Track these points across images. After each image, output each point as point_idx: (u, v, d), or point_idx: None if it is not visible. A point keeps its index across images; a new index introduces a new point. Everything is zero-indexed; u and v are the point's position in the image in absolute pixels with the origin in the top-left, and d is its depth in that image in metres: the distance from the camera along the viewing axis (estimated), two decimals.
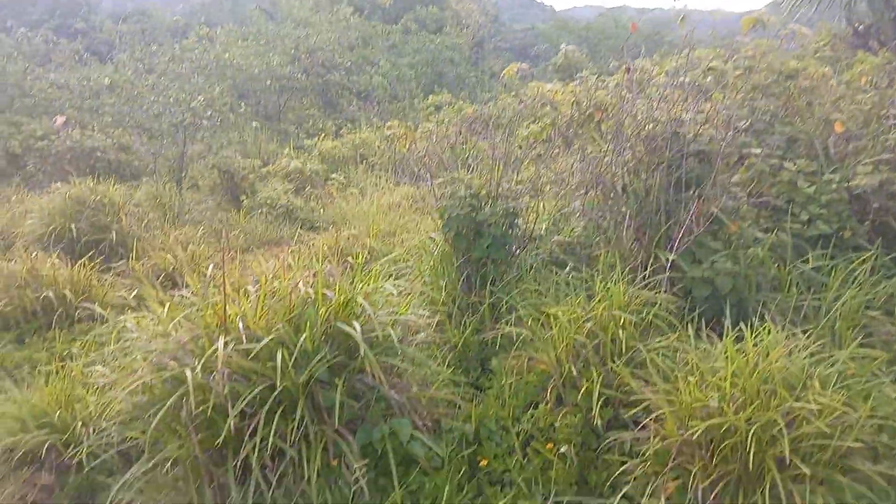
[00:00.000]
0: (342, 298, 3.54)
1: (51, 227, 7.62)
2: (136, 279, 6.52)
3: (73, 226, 7.55)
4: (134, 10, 35.53)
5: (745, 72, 6.17)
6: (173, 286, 6.46)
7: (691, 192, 4.36)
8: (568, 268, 4.97)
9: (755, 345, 3.15)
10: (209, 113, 12.03)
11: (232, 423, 3.02)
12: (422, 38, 28.02)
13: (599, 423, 3.39)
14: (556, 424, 3.51)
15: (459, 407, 3.90)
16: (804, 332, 3.52)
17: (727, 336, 3.20)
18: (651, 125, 4.30)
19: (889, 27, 8.81)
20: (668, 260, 4.09)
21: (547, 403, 3.65)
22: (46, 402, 4.22)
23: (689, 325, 3.70)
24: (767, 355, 3.06)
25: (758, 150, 4.85)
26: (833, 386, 2.98)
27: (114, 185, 8.80)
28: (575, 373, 3.60)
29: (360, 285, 3.76)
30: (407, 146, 5.85)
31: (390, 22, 30.25)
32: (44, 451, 4.07)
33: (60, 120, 15.04)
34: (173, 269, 6.88)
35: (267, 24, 26.18)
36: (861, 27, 9.19)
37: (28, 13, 39.34)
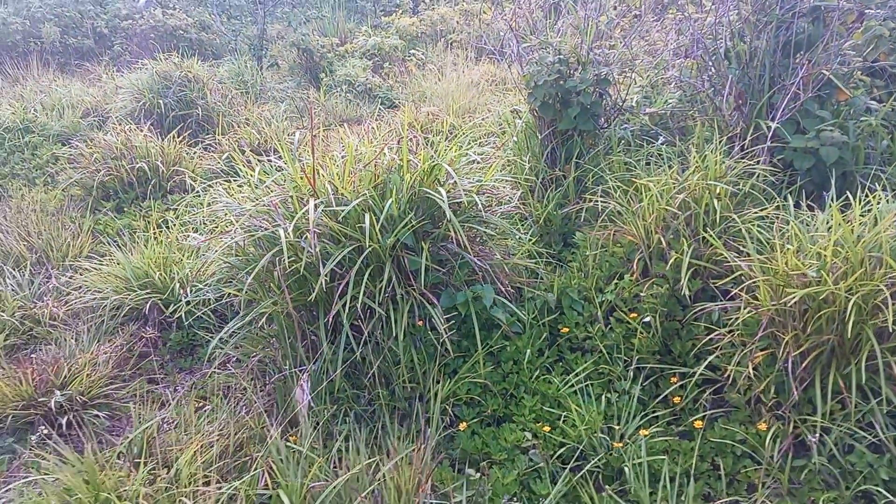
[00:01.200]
0: (427, 165, 3.51)
1: (140, 103, 7.82)
2: (223, 152, 6.70)
3: (161, 101, 7.73)
4: None
5: None
6: (260, 159, 6.60)
7: (801, 55, 4.02)
8: (661, 140, 4.77)
9: (862, 214, 2.96)
10: None
11: (323, 282, 3.12)
12: None
13: (687, 293, 3.32)
14: (642, 295, 3.47)
15: (541, 277, 3.91)
16: None
17: (831, 205, 3.02)
18: None
19: None
20: (769, 129, 3.84)
21: (632, 274, 3.60)
22: (147, 265, 4.47)
23: (789, 196, 3.51)
24: (875, 224, 2.89)
25: (880, 11, 4.39)
26: None
27: (197, 62, 8.88)
28: (664, 244, 3.51)
29: (445, 153, 3.72)
30: (491, 14, 5.58)
31: None
32: (147, 309, 4.36)
33: (142, 0, 15.13)
34: (259, 143, 6.99)
35: None
36: None
37: None
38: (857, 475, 2.70)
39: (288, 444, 2.95)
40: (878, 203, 3.02)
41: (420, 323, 3.39)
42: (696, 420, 3.00)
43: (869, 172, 3.83)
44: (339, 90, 9.64)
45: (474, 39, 12.44)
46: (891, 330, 2.62)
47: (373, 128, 7.31)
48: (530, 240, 4.10)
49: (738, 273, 3.14)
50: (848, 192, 3.26)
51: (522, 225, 4.39)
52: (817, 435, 2.75)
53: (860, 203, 3.05)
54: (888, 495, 2.60)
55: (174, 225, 5.15)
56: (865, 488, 2.67)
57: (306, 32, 11.89)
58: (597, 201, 4.13)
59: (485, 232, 3.65)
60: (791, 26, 3.96)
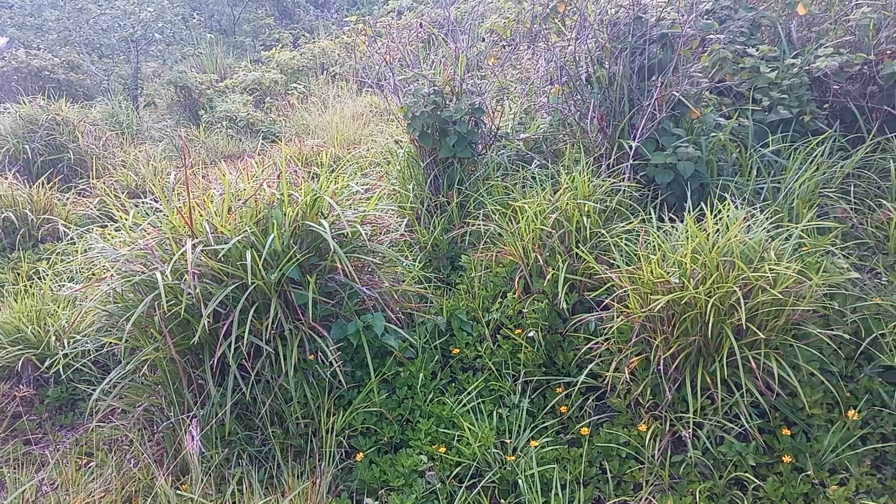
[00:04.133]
0: (309, 198, 3.53)
1: (4, 149, 7.37)
2: (97, 196, 6.41)
3: (27, 146, 7.32)
4: None
5: None
6: (136, 205, 6.37)
7: (654, 78, 4.35)
8: (534, 163, 4.99)
9: (715, 222, 3.23)
10: (160, 26, 11.50)
11: (205, 323, 3.06)
12: None
13: (565, 306, 3.50)
14: (524, 311, 3.61)
15: (431, 301, 3.99)
16: (762, 211, 3.62)
17: (688, 215, 3.28)
18: (613, 10, 4.22)
19: None
20: (631, 148, 4.12)
21: (515, 292, 3.74)
22: (18, 319, 4.22)
23: (653, 210, 3.77)
24: (727, 231, 3.15)
25: (721, 35, 4.81)
26: (788, 258, 3.09)
27: (66, 104, 8.49)
28: (541, 262, 3.67)
29: (327, 185, 3.74)
30: (367, 43, 5.69)
31: None
32: (20, 366, 4.10)
33: (2, 41, 14.30)
34: (136, 185, 6.75)
35: None
36: None
37: None
38: (728, 464, 2.91)
39: (179, 492, 2.85)
40: (728, 211, 3.29)
41: (311, 357, 3.37)
42: (582, 427, 3.14)
43: (722, 183, 4.17)
44: (219, 126, 9.47)
45: (356, 71, 12.55)
46: (745, 327, 2.86)
47: (254, 163, 7.23)
48: (418, 265, 4.18)
49: (610, 284, 3.33)
50: (703, 204, 3.54)
51: (410, 252, 4.47)
52: (691, 430, 2.94)
53: (713, 212, 3.32)
54: (755, 480, 2.82)
55: (47, 275, 4.89)
56: (737, 475, 2.88)
57: (183, 70, 11.62)
58: (479, 225, 4.27)
59: (372, 261, 3.69)
60: (644, 52, 4.28)
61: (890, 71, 4.75)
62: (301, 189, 3.62)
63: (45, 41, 13.67)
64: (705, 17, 4.81)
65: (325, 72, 13.85)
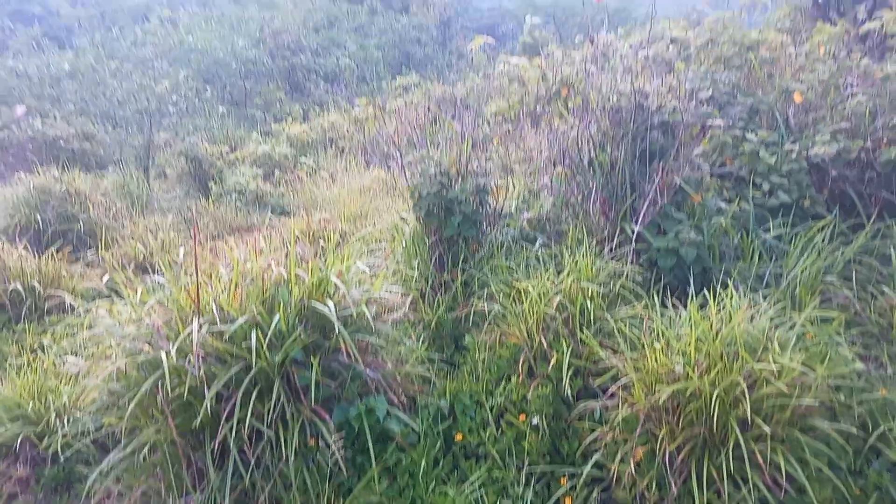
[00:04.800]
0: (315, 278, 3.56)
1: (16, 219, 7.50)
2: (106, 268, 6.48)
3: (38, 216, 7.45)
4: None
5: (707, 43, 6.25)
6: (144, 275, 6.42)
7: (656, 163, 4.44)
8: (538, 243, 5.04)
9: (718, 310, 3.24)
10: (174, 98, 11.84)
11: (208, 406, 3.04)
12: (388, 19, 27.77)
13: (570, 393, 3.47)
14: (528, 396, 3.59)
15: (434, 383, 3.97)
16: (765, 297, 3.63)
17: (691, 303, 3.29)
18: (615, 97, 4.35)
19: None
20: (633, 232, 4.17)
21: (519, 376, 3.73)
22: (19, 395, 4.20)
23: (655, 294, 3.79)
24: (730, 320, 3.16)
25: (720, 121, 4.94)
26: (792, 348, 3.09)
27: (79, 174, 8.67)
28: (545, 345, 3.67)
29: (333, 264, 3.78)
30: (376, 126, 5.85)
31: (356, 3, 29.87)
32: (17, 444, 4.05)
33: (20, 110, 14.70)
34: (144, 257, 6.82)
35: (230, 6, 25.75)
36: None
37: None
38: None
39: None
40: (731, 299, 3.31)
41: (312, 441, 3.34)
42: None
43: (725, 268, 4.20)
44: (228, 198, 9.62)
45: (364, 147, 12.83)
46: (750, 420, 2.83)
47: (263, 236, 7.32)
48: (422, 347, 4.18)
49: (614, 371, 3.32)
50: (706, 290, 3.56)
51: (414, 331, 4.47)
52: None
53: (716, 299, 3.34)
54: None
55: (51, 349, 4.88)
56: None
57: (195, 141, 11.89)
58: (483, 305, 4.28)
59: (376, 343, 3.69)
60: (645, 138, 4.38)
61: (887, 158, 4.85)
62: (308, 267, 3.66)
63: (61, 111, 14.05)
64: (705, 104, 4.95)
65: (333, 145, 14.16)
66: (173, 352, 3.14)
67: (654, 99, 4.34)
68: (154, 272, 4.15)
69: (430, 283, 4.98)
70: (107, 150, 13.02)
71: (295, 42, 21.33)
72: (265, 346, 3.23)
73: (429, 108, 5.65)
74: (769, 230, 4.50)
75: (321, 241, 6.50)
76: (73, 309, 5.49)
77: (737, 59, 6.05)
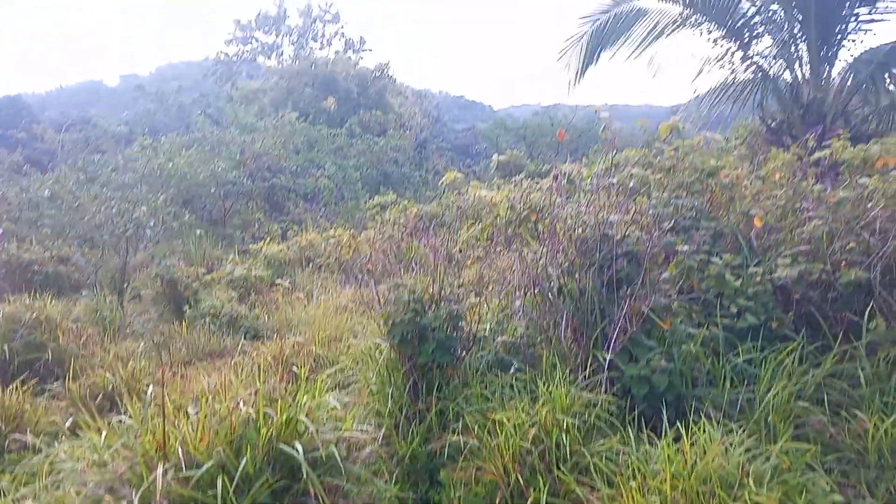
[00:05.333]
0: (284, 417, 3.50)
1: None
2: (72, 401, 6.29)
3: (6, 346, 7.29)
4: (78, 119, 35.63)
5: (668, 171, 6.55)
6: (112, 407, 6.26)
7: (623, 290, 4.53)
8: (512, 369, 5.03)
9: (692, 444, 3.22)
10: (152, 223, 11.97)
11: None
12: (366, 141, 28.79)
13: None
14: None
15: None
16: (739, 426, 3.62)
17: (665, 437, 3.27)
18: (581, 229, 4.49)
19: (798, 123, 9.50)
20: (605, 360, 4.19)
21: None
22: None
23: (631, 424, 3.76)
24: (705, 454, 3.13)
25: (685, 248, 5.09)
26: (769, 481, 3.05)
27: (51, 300, 8.59)
28: (522, 482, 3.59)
29: (304, 400, 3.73)
30: (350, 253, 5.95)
31: (335, 126, 31.08)
32: None
33: None
34: (112, 387, 6.65)
35: (212, 129, 26.58)
36: (773, 124, 9.89)
37: None
38: None
39: None
40: (705, 432, 3.30)
41: None
42: None
43: (698, 395, 4.21)
44: (202, 322, 9.53)
45: (341, 265, 12.94)
46: None
47: (235, 363, 7.22)
48: (395, 485, 4.06)
49: None
50: (679, 423, 3.54)
51: (387, 466, 4.36)
52: None
53: (690, 432, 3.32)
54: None
55: (10, 491, 4.66)
56: None
57: (172, 263, 11.91)
58: (458, 438, 4.21)
59: (345, 485, 3.59)
60: (612, 266, 4.49)
61: (847, 279, 4.99)
62: (277, 406, 3.60)
63: (38, 235, 14.09)
64: (669, 232, 5.11)
65: (311, 264, 14.26)
66: (136, 501, 3.02)
67: (619, 229, 4.49)
68: (122, 405, 4.05)
69: (403, 412, 4.91)
70: (82, 274, 12.97)
71: (275, 163, 21.91)
72: (231, 492, 3.13)
73: (402, 238, 5.76)
74: (739, 354, 4.55)
75: (294, 368, 6.41)
76: (35, 446, 5.29)
77: (698, 185, 6.32)
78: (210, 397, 3.75)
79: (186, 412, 3.75)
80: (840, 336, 4.87)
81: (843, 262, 5.25)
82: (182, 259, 13.67)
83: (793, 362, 4.35)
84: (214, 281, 11.95)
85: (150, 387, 4.58)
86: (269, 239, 16.10)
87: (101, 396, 6.57)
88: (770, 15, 9.80)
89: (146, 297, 12.28)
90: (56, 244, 13.22)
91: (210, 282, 11.92)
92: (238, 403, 3.59)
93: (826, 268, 5.16)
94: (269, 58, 50.07)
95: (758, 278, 5.19)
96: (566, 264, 4.66)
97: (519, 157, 30.80)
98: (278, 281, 11.60)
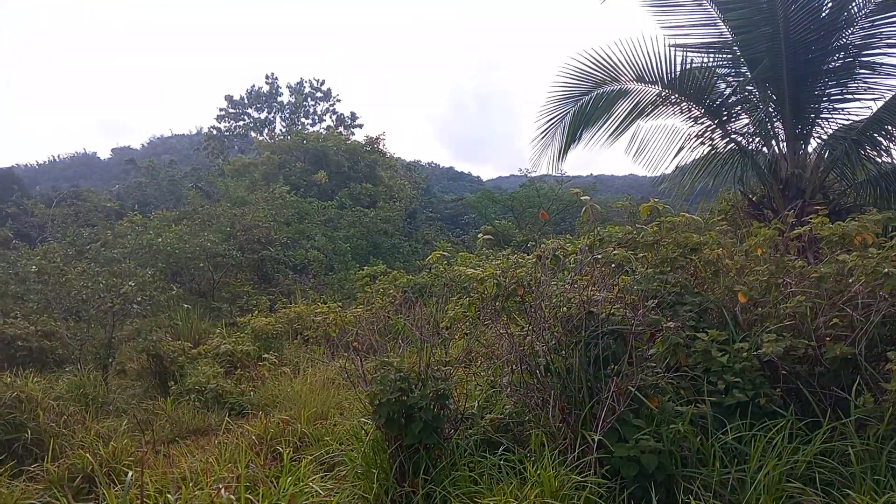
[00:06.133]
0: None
1: None
2: (49, 484, 6.12)
3: None
4: (68, 193, 35.85)
5: (651, 247, 6.63)
6: (91, 490, 6.09)
7: (610, 368, 4.52)
8: (501, 448, 4.96)
9: None
10: (139, 298, 11.91)
11: None
12: (356, 213, 29.07)
13: None
14: None
15: None
16: None
17: None
18: (566, 307, 4.52)
19: (778, 197, 9.71)
20: (594, 440, 4.15)
21: None
22: None
23: None
24: None
25: (671, 324, 5.12)
26: None
27: (33, 377, 8.45)
28: None
29: (287, 485, 3.67)
30: (337, 330, 5.93)
31: (326, 198, 31.44)
32: None
33: None
34: (92, 469, 6.48)
35: (203, 203, 26.80)
36: (755, 198, 10.10)
37: None
38: None
39: None
40: None
41: None
42: None
43: (688, 475, 4.16)
44: (188, 398, 9.38)
45: (328, 338, 12.85)
46: None
47: (219, 443, 7.07)
48: None
49: None
50: None
51: None
52: None
53: None
54: None
55: None
56: None
57: (157, 337, 11.79)
58: None
59: None
60: (598, 344, 4.50)
61: (832, 354, 5.02)
62: (259, 491, 3.53)
63: (24, 309, 13.94)
64: (654, 310, 5.15)
65: (298, 336, 14.15)
66: None
67: (604, 307, 4.52)
68: (101, 489, 3.95)
69: (389, 495, 4.80)
70: (66, 349, 12.79)
71: (265, 236, 22.00)
72: None
73: (388, 316, 5.77)
74: (728, 432, 4.51)
75: (279, 447, 6.28)
76: None
77: (681, 260, 6.40)
78: (191, 482, 3.68)
79: (167, 498, 3.67)
80: (829, 412, 4.87)
81: (828, 338, 5.29)
82: (169, 333, 13.53)
83: (782, 440, 4.33)
84: (201, 355, 11.80)
85: (131, 470, 4.49)
86: (256, 312, 16.01)
87: (80, 478, 6.40)
88: (746, 95, 10.15)
89: (131, 370, 12.10)
90: (42, 319, 13.07)
91: (196, 356, 11.78)
92: (219, 489, 3.53)
93: (811, 343, 5.20)
94: (261, 133, 51.08)
95: (744, 354, 5.21)
96: (553, 342, 4.67)
97: (507, 227, 31.15)
98: (265, 355, 11.48)
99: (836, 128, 9.71)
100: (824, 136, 9.85)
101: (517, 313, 6.33)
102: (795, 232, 6.35)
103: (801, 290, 5.59)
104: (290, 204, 26.47)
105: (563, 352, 4.60)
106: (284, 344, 13.65)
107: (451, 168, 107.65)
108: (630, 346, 4.49)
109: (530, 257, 6.65)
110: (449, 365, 5.46)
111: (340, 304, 15.97)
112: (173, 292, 14.54)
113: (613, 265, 5.95)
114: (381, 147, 40.53)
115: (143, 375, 11.60)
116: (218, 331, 13.76)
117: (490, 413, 5.47)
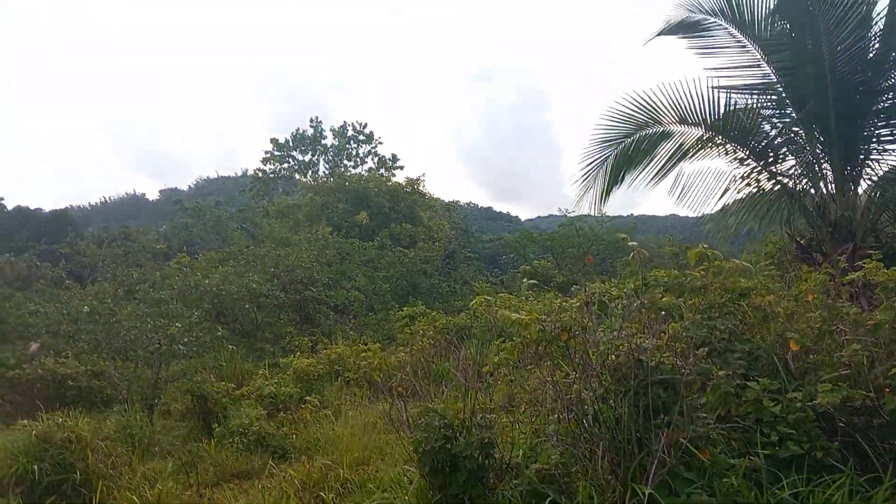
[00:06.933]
0: None
1: (13, 469, 7.32)
2: None
3: (35, 466, 7.27)
4: (118, 234, 37.04)
5: (700, 289, 6.51)
6: None
7: (660, 419, 4.43)
8: (548, 500, 4.86)
9: None
10: (186, 339, 12.16)
11: None
12: (396, 253, 29.30)
13: None
14: None
15: None
16: None
17: None
18: (614, 356, 4.47)
19: (828, 240, 9.49)
20: (644, 494, 4.05)
21: None
22: None
23: None
24: None
25: (721, 373, 5.00)
26: None
27: (83, 417, 8.62)
28: None
29: None
30: (380, 374, 5.95)
31: (366, 239, 31.79)
32: None
33: (34, 346, 15.04)
34: None
35: (248, 244, 27.34)
36: (803, 241, 9.89)
37: (15, 239, 40.82)
38: None
39: None
40: None
41: None
42: None
43: None
44: (231, 440, 9.44)
45: (370, 379, 12.85)
46: None
47: (263, 487, 7.09)
48: None
49: None
50: None
51: None
52: None
53: None
54: None
55: None
56: None
57: (202, 378, 11.96)
58: None
59: None
60: (647, 393, 4.42)
61: (892, 406, 4.83)
62: None
63: (75, 349, 14.33)
64: (704, 359, 5.04)
65: (339, 378, 14.19)
66: None
67: (652, 354, 4.45)
68: None
69: None
70: (114, 388, 13.06)
71: (307, 276, 22.27)
72: None
73: (433, 341, 5.76)
74: (784, 487, 4.36)
75: (321, 493, 6.28)
76: None
77: (730, 305, 6.27)
78: None
79: None
80: (890, 466, 4.67)
81: (887, 388, 5.10)
82: (213, 374, 13.71)
83: (842, 497, 4.16)
84: (244, 396, 11.91)
85: None
86: (298, 353, 16.13)
87: None
88: (792, 136, 10.03)
89: (176, 411, 12.26)
90: (91, 358, 13.41)
91: (240, 397, 11.89)
92: None
93: (869, 394, 5.02)
94: (306, 175, 52.13)
95: (798, 404, 5.05)
96: (601, 390, 4.60)
97: (547, 267, 31.01)
98: (307, 398, 11.53)
99: (887, 169, 9.50)
100: (875, 178, 9.64)
101: (561, 359, 6.26)
102: (849, 277, 6.18)
103: (855, 338, 5.42)
104: (331, 244, 26.83)
105: (612, 401, 4.52)
106: (325, 385, 13.69)
107: (489, 208, 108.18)
108: (680, 396, 4.40)
109: (574, 301, 6.59)
110: (493, 412, 5.41)
111: (380, 344, 16.02)
112: (219, 333, 14.78)
113: (662, 312, 5.86)
114: (420, 188, 40.95)
115: (187, 416, 11.75)
116: (261, 371, 13.89)
117: (536, 463, 5.38)
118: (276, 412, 11.05)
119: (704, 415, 4.64)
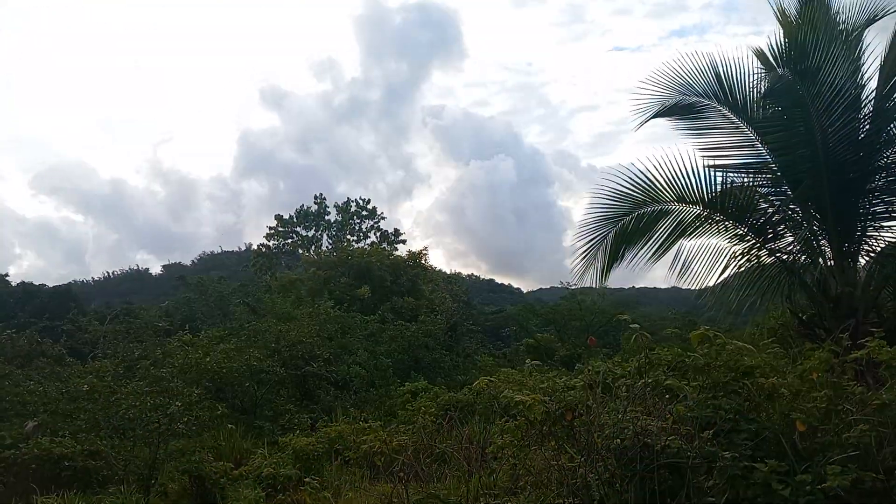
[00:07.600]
0: None
1: None
2: None
3: None
4: (121, 310, 37.01)
5: (702, 369, 6.49)
6: None
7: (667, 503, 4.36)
8: None
9: None
10: (186, 419, 12.02)
11: None
12: (398, 327, 29.17)
13: None
14: None
15: None
16: None
17: None
18: (619, 440, 4.43)
19: (829, 316, 9.50)
20: None
21: None
22: None
23: None
24: None
25: (727, 454, 4.94)
26: None
27: (78, 499, 8.43)
28: None
29: None
30: (382, 459, 5.87)
31: (368, 312, 31.72)
32: None
33: (31, 425, 14.80)
34: None
35: (250, 319, 27.27)
36: (805, 317, 9.90)
37: (18, 316, 40.81)
38: None
39: None
40: None
41: None
42: None
43: None
44: None
45: (370, 458, 12.59)
46: None
47: None
48: None
49: None
50: None
51: None
52: None
53: None
54: None
55: None
56: None
57: (200, 458, 11.75)
58: None
59: None
60: (653, 478, 4.36)
61: None
62: None
63: (72, 427, 14.09)
64: (710, 441, 4.99)
65: (338, 457, 13.90)
66: None
67: (659, 437, 4.42)
68: None
69: None
70: (111, 468, 12.80)
71: (308, 351, 22.13)
72: None
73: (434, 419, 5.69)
74: None
75: None
76: None
77: (734, 384, 6.24)
78: None
79: None
80: None
81: None
82: (211, 453, 13.47)
83: None
84: (242, 476, 11.67)
85: None
86: (297, 433, 15.88)
87: None
88: (789, 213, 10.18)
89: (172, 492, 11.97)
90: (89, 438, 13.18)
91: (238, 477, 11.65)
92: None
93: (879, 476, 4.95)
94: (308, 250, 52.57)
95: (808, 487, 4.96)
96: (606, 475, 4.54)
97: (549, 340, 30.82)
98: (306, 479, 11.29)
99: (885, 245, 9.61)
100: (873, 253, 9.74)
101: (565, 439, 6.19)
102: (853, 356, 6.18)
103: (862, 418, 5.38)
104: (333, 319, 26.75)
105: (618, 485, 4.46)
106: (325, 465, 13.41)
107: (490, 280, 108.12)
108: (687, 480, 4.34)
109: (577, 380, 6.56)
110: (497, 497, 5.32)
111: (381, 422, 15.74)
112: (218, 412, 14.60)
113: (667, 395, 5.83)
114: (422, 261, 41.15)
115: (183, 497, 11.48)
116: (259, 451, 13.63)
117: None
118: (274, 493, 10.81)
119: (712, 498, 4.56)
